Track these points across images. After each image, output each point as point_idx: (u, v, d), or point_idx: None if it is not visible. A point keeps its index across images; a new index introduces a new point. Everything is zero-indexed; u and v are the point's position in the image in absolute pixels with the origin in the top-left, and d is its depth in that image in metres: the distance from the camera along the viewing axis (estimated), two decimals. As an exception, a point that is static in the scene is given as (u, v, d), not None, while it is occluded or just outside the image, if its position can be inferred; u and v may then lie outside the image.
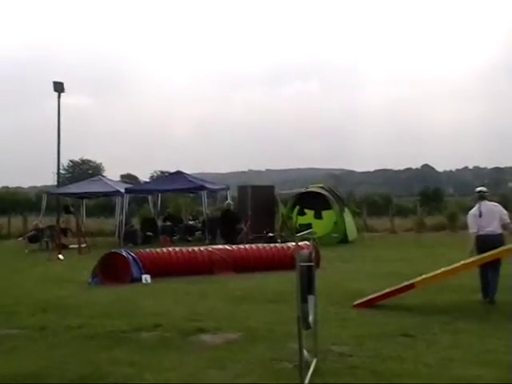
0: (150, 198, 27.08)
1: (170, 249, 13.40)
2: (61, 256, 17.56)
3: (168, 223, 24.15)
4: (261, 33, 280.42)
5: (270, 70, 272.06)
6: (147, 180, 49.97)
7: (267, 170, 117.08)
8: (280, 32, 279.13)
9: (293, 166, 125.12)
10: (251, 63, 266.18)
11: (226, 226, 20.55)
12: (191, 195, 30.72)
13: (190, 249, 13.44)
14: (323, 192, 22.27)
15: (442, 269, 8.63)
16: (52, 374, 5.52)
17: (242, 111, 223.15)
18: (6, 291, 10.94)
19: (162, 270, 12.15)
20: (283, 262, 12.33)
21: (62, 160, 28.45)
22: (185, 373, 5.48)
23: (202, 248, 13.62)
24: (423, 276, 8.67)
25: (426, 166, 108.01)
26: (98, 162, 72.14)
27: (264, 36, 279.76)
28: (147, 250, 13.50)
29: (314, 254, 5.95)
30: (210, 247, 13.88)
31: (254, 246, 14.22)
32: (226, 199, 24.19)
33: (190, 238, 23.05)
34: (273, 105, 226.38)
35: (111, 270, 11.96)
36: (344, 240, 20.97)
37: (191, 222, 24.70)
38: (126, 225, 22.98)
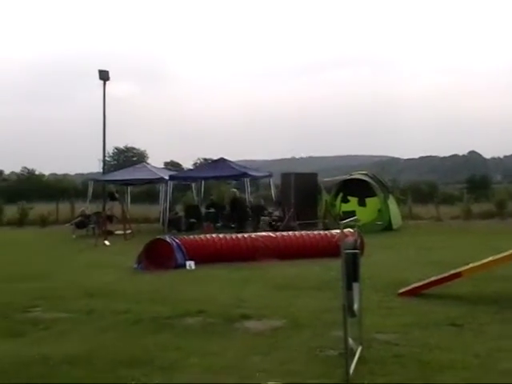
0: (193, 185, 27.28)
1: (214, 235, 13.49)
2: (107, 242, 17.89)
3: (211, 210, 24.31)
4: (300, 21, 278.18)
5: (311, 57, 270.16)
6: (190, 167, 50.35)
7: (310, 157, 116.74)
8: (322, 20, 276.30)
9: (336, 153, 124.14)
10: (293, 51, 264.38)
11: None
12: (234, 182, 30.85)
13: (233, 235, 13.51)
14: (367, 179, 22.03)
15: (491, 257, 8.42)
16: (100, 357, 5.63)
17: (286, 99, 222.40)
18: (54, 276, 11.22)
19: (206, 256, 12.23)
20: (327, 250, 12.26)
21: (107, 147, 28.89)
22: (229, 358, 5.52)
23: (245, 235, 13.66)
24: (470, 265, 8.48)
25: (472, 153, 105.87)
26: (142, 149, 73.16)
27: (304, 24, 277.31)
28: (191, 236, 13.63)
29: (358, 242, 5.89)
30: (253, 234, 13.91)
31: (297, 233, 14.19)
32: (269, 186, 24.22)
33: (233, 225, 23.14)
34: (317, 92, 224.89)
35: (156, 256, 12.11)
36: (388, 227, 20.72)
37: (234, 210, 24.76)
38: (169, 211, 23.25)
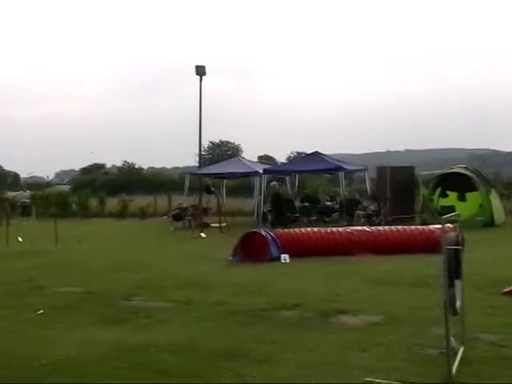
0: (287, 178, 27.31)
1: (309, 229, 13.44)
2: (203, 234, 18.26)
3: (305, 204, 24.25)
4: (391, 13, 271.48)
5: (404, 49, 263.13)
6: (284, 161, 50.56)
7: (406, 150, 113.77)
8: (423, 10, 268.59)
9: (434, 147, 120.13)
10: (384, 43, 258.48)
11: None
12: (328, 176, 30.61)
13: (328, 229, 13.41)
14: (467, 173, 21.17)
15: None
16: (199, 347, 5.74)
17: (380, 91, 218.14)
18: (154, 266, 11.58)
19: (301, 250, 12.21)
20: (425, 245, 11.91)
21: (202, 142, 29.39)
22: (326, 353, 5.47)
23: (340, 229, 13.53)
24: None
25: None
26: (237, 143, 74.04)
27: (396, 15, 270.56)
28: (285, 230, 13.64)
29: (460, 238, 5.66)
30: (348, 228, 13.74)
31: (393, 227, 13.88)
32: (364, 180, 23.83)
33: (327, 219, 22.97)
34: (412, 84, 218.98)
35: (251, 249, 12.22)
36: (490, 223, 19.82)
37: (329, 203, 24.61)
38: (264, 205, 23.39)
